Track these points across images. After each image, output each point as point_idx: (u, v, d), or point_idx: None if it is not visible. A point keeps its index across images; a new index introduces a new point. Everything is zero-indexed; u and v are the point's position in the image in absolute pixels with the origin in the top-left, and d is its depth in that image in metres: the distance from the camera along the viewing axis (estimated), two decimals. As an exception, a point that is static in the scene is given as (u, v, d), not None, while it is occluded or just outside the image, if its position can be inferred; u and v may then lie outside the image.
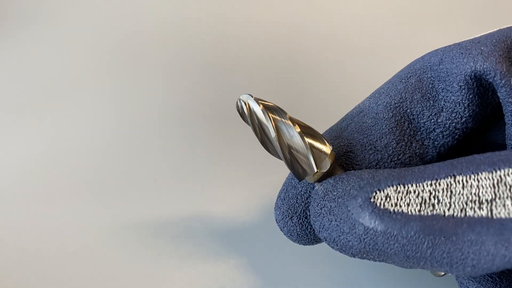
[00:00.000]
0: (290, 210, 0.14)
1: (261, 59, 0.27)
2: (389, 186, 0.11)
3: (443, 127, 0.14)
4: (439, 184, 0.11)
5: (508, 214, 0.10)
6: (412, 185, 0.11)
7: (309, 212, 0.14)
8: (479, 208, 0.11)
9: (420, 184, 0.11)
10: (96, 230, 0.19)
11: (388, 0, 0.30)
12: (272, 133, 0.13)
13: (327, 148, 0.13)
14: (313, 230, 0.14)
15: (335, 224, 0.12)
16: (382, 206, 0.11)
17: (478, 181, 0.11)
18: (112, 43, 0.28)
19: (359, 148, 0.14)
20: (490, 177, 0.11)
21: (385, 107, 0.14)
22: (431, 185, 0.11)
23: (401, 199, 0.11)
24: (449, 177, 0.11)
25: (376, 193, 0.11)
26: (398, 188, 0.11)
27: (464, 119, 0.13)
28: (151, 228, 0.19)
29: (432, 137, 0.14)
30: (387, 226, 0.11)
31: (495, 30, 0.14)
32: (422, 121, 0.14)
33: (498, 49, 0.13)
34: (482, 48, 0.13)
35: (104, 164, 0.21)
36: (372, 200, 0.11)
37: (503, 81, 0.12)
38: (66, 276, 0.17)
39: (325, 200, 0.12)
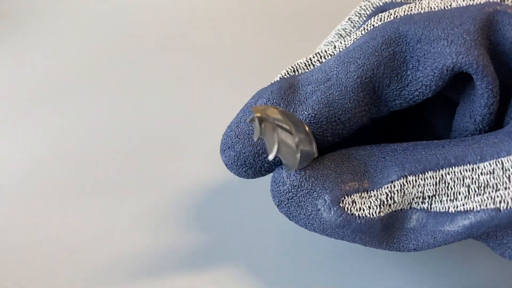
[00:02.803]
0: (246, 165, 0.14)
1: (258, 58, 0.27)
2: (355, 193, 0.13)
3: (403, 99, 0.14)
4: (394, 186, 0.13)
5: (442, 208, 0.13)
6: (373, 190, 0.13)
7: (265, 168, 0.14)
8: (422, 202, 0.13)
9: (379, 188, 0.13)
10: (95, 230, 0.19)
11: None
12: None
13: (314, 151, 0.12)
14: (266, 173, 0.14)
15: (304, 217, 0.13)
16: (349, 211, 0.13)
17: (425, 180, 0.13)
18: (112, 42, 0.28)
19: (323, 121, 0.14)
20: (434, 176, 0.13)
21: (355, 81, 0.13)
22: (387, 187, 0.13)
23: (364, 203, 0.13)
24: (402, 178, 0.13)
25: (344, 198, 0.13)
26: (362, 194, 0.13)
27: (425, 97, 0.14)
28: (151, 227, 0.19)
29: (389, 105, 0.14)
30: (354, 230, 0.13)
31: (474, 2, 0.13)
32: (385, 91, 0.14)
33: (480, 37, 0.13)
34: (465, 36, 0.13)
35: (104, 164, 0.21)
36: (341, 205, 0.13)
37: (485, 72, 0.13)
38: (65, 277, 0.17)
39: (292, 193, 0.13)
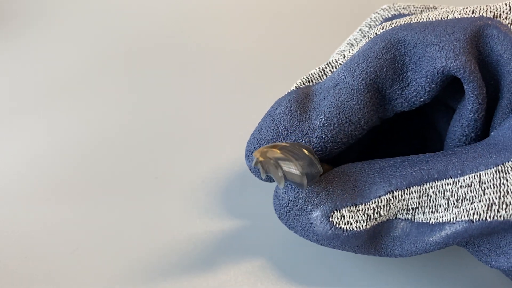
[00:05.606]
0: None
1: (258, 56, 0.27)
2: (344, 207, 0.14)
3: (404, 99, 0.15)
4: (381, 201, 0.14)
5: (424, 219, 0.14)
6: (361, 204, 0.14)
7: None
8: (406, 213, 0.14)
9: (367, 203, 0.14)
10: (96, 228, 0.19)
11: None
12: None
13: (318, 169, 0.13)
14: None
15: (300, 229, 0.15)
16: (337, 225, 0.14)
17: (409, 194, 0.14)
18: (112, 42, 0.28)
19: (336, 122, 0.15)
20: (418, 190, 0.14)
21: (360, 83, 0.14)
22: (375, 202, 0.14)
23: (352, 217, 0.14)
24: (389, 194, 0.14)
25: (334, 212, 0.14)
26: (351, 208, 0.14)
27: (423, 99, 0.15)
28: (152, 226, 0.19)
29: (392, 104, 0.15)
30: (343, 241, 0.14)
31: (469, 15, 0.15)
32: (388, 91, 0.15)
33: (469, 46, 0.14)
34: (455, 43, 0.14)
35: (105, 161, 0.21)
36: (330, 219, 0.14)
37: (471, 78, 0.14)
38: (65, 275, 0.17)
39: (289, 207, 0.15)
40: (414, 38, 0.14)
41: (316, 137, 0.15)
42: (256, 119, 0.23)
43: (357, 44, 0.17)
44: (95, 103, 0.24)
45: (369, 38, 0.15)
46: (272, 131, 0.15)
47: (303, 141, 0.15)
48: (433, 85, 0.14)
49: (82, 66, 0.26)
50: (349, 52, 0.16)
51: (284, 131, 0.15)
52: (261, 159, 0.13)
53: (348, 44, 0.18)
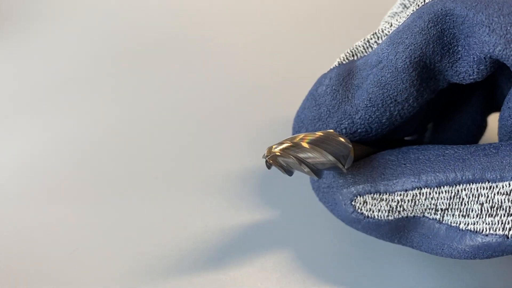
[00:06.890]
0: None
1: (259, 58, 0.27)
2: (367, 194, 0.13)
3: (454, 72, 0.14)
4: (407, 195, 0.13)
5: (453, 222, 0.13)
6: (385, 194, 0.13)
7: None
8: (435, 213, 0.13)
9: (392, 193, 0.13)
10: (96, 228, 0.19)
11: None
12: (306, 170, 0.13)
13: (335, 164, 0.13)
14: None
15: (328, 205, 0.15)
16: (359, 210, 0.14)
17: (439, 194, 0.13)
18: (111, 41, 0.28)
19: (380, 103, 0.14)
20: (450, 190, 0.13)
21: (404, 62, 0.13)
22: (400, 195, 0.13)
23: (375, 205, 0.13)
24: (416, 189, 0.13)
25: (357, 197, 0.14)
26: (374, 196, 0.13)
27: (472, 78, 0.13)
28: (151, 226, 0.19)
29: (444, 75, 0.14)
30: (364, 227, 0.14)
31: None
32: (437, 65, 0.14)
33: None
34: (508, 28, 0.12)
35: (104, 161, 0.21)
36: (353, 203, 0.14)
37: None
38: (65, 275, 0.17)
39: (319, 183, 0.15)
40: (463, 14, 0.12)
41: (360, 118, 0.14)
42: (256, 119, 0.23)
43: (411, 4, 0.15)
44: (95, 103, 0.24)
45: (417, 6, 0.14)
46: (314, 111, 0.14)
47: (346, 122, 0.14)
48: (481, 67, 0.13)
49: (81, 65, 0.26)
50: (397, 20, 0.14)
51: (326, 111, 0.14)
52: (269, 160, 0.13)
53: (400, 4, 0.16)
